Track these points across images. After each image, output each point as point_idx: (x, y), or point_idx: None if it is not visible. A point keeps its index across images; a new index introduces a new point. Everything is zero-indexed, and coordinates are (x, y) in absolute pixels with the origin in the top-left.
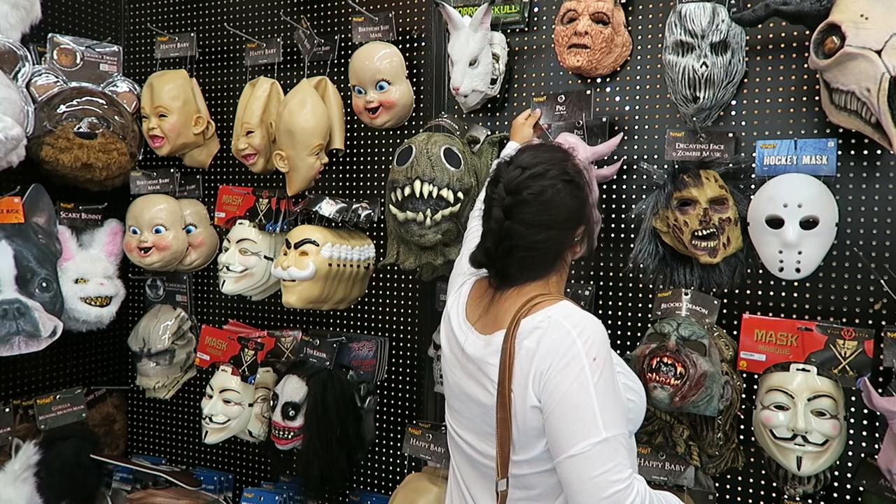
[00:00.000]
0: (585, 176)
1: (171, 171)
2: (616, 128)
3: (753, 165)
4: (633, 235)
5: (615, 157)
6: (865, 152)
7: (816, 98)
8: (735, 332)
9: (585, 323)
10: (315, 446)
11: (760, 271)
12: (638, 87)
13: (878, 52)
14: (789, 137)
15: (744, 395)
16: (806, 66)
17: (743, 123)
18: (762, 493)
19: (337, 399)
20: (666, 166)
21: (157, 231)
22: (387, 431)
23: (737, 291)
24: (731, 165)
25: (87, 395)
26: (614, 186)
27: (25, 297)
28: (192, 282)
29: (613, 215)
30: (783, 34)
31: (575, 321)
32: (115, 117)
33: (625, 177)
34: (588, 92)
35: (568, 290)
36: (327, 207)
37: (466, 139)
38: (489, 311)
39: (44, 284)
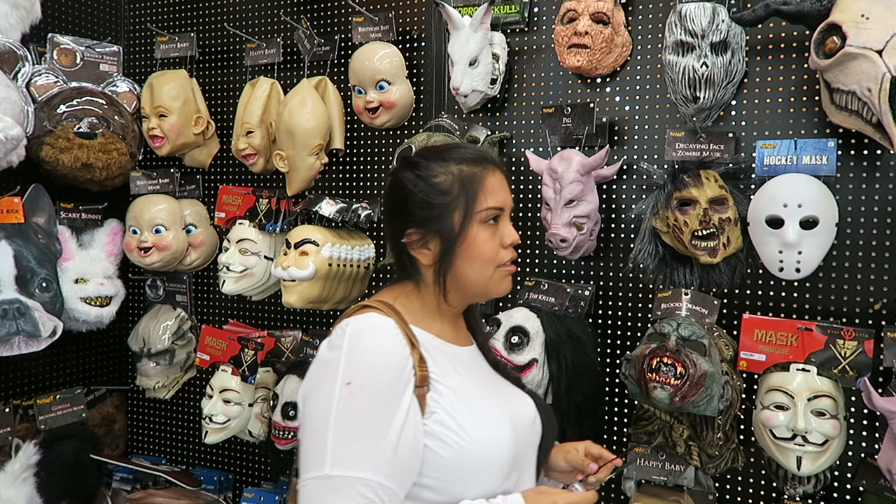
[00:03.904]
0: (414, 185)
1: (171, 171)
2: (616, 128)
3: (753, 165)
4: (633, 235)
5: (615, 158)
6: (865, 152)
7: (816, 98)
8: (735, 332)
9: (370, 343)
10: None
11: (760, 271)
12: (638, 87)
13: (879, 52)
14: (789, 137)
15: (744, 395)
16: (806, 66)
17: (743, 123)
18: (762, 493)
19: None
20: (666, 166)
21: (157, 231)
22: None
23: (737, 291)
24: (731, 165)
25: (87, 395)
26: (614, 186)
27: (25, 297)
28: (192, 282)
29: (613, 215)
30: (783, 34)
31: (359, 339)
32: (115, 117)
33: (625, 177)
34: (591, 105)
35: (567, 294)
36: (327, 207)
37: (466, 139)
38: None
39: (44, 284)
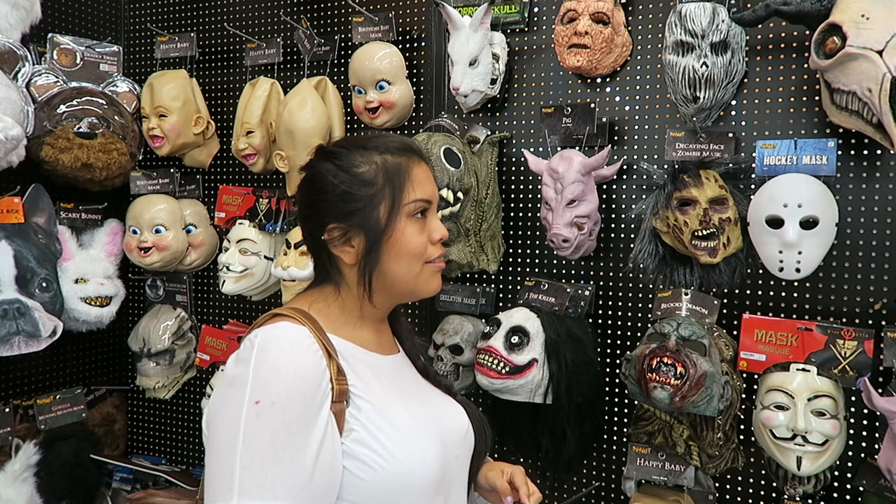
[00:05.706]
0: (334, 176)
1: (171, 171)
2: (616, 128)
3: (753, 165)
4: (633, 235)
5: (615, 158)
6: (865, 152)
7: (816, 98)
8: (735, 332)
9: (280, 356)
10: None
11: (760, 271)
12: (638, 87)
13: (880, 53)
14: (789, 137)
15: (744, 395)
16: (806, 66)
17: (743, 123)
18: (762, 493)
19: None
20: (666, 166)
21: (157, 231)
22: None
23: (737, 291)
24: (731, 165)
25: (87, 395)
26: (614, 186)
27: (25, 297)
28: (192, 282)
29: (613, 215)
30: (783, 34)
31: (268, 351)
32: (115, 117)
33: (625, 177)
34: (592, 105)
35: (567, 294)
36: None
37: (466, 139)
38: None
39: (44, 284)
